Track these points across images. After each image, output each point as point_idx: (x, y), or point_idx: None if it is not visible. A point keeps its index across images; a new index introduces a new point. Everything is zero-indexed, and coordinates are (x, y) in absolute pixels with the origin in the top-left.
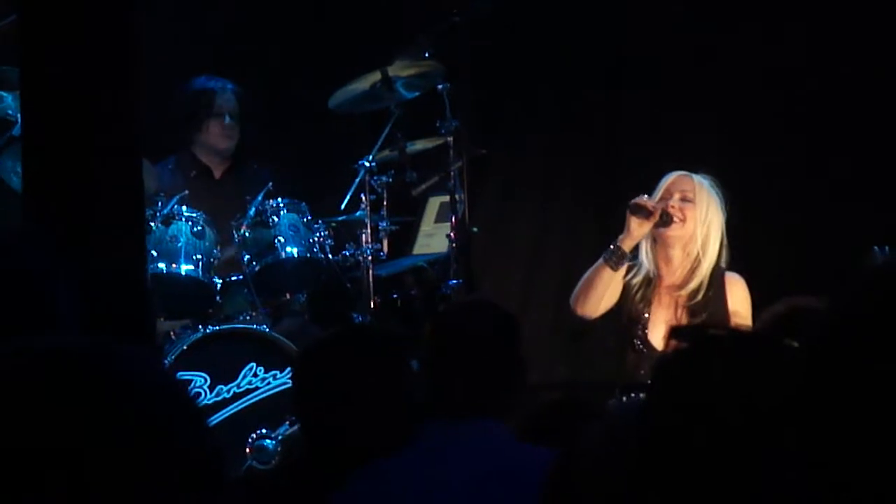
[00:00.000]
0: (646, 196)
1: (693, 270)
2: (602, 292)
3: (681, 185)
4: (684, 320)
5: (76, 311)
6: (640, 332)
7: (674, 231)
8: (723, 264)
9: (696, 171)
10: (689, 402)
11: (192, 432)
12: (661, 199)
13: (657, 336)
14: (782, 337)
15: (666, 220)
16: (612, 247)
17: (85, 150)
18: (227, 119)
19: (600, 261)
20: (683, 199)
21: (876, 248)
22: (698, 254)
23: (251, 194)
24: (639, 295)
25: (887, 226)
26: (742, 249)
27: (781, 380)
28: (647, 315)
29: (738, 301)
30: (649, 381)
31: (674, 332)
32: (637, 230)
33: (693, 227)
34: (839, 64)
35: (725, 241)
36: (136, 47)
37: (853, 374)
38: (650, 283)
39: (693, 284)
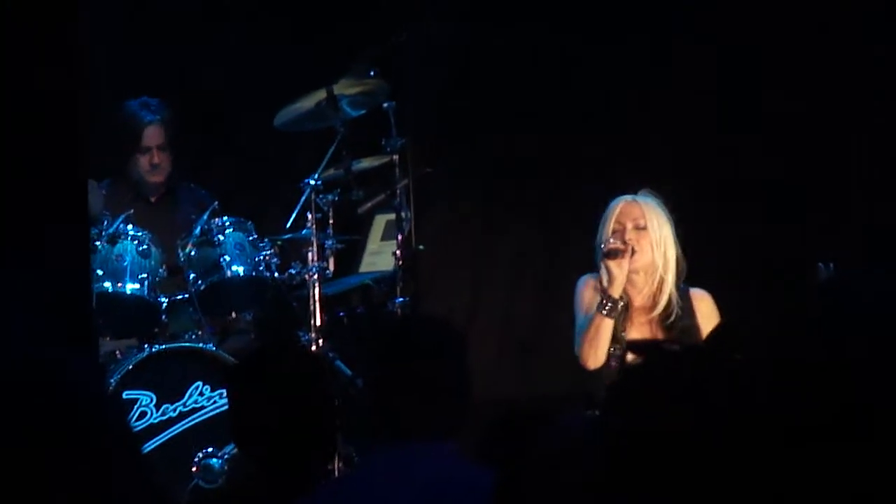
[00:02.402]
0: (610, 238)
1: (659, 290)
2: (607, 341)
3: (630, 213)
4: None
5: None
6: (618, 354)
7: (635, 262)
8: (682, 277)
9: (635, 193)
10: (647, 423)
11: (128, 458)
12: (615, 231)
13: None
14: (731, 353)
15: (612, 254)
16: (603, 300)
17: (29, 170)
18: (156, 155)
19: (596, 313)
20: (636, 228)
21: (821, 264)
22: (661, 274)
23: (189, 213)
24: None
25: (829, 241)
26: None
27: (737, 395)
28: (624, 336)
29: (706, 316)
30: (605, 402)
31: (630, 347)
32: (619, 273)
33: (651, 252)
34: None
35: (681, 255)
36: (81, 65)
37: (803, 389)
38: (622, 306)
39: (662, 303)
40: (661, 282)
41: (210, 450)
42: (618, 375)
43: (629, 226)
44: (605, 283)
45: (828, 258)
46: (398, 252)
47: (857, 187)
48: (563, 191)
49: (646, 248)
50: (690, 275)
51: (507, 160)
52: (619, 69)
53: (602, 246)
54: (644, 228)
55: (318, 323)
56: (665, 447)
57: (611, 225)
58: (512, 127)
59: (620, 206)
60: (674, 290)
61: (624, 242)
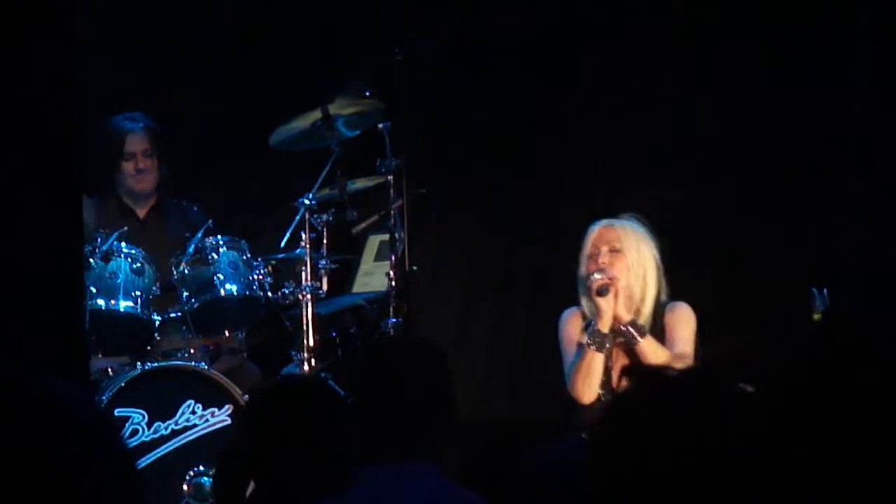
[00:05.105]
0: (597, 275)
1: (637, 312)
2: (599, 374)
3: (606, 237)
4: (636, 360)
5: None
6: (603, 380)
7: (612, 293)
8: (664, 297)
9: (616, 216)
10: (638, 448)
11: (121, 473)
12: (590, 255)
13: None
14: (733, 380)
15: (603, 291)
16: (594, 334)
17: (23, 186)
18: (140, 161)
19: (587, 349)
20: (612, 251)
21: (814, 289)
22: (641, 293)
23: (179, 231)
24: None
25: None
26: (684, 285)
27: (735, 424)
28: (609, 362)
29: (677, 327)
30: (595, 426)
31: (624, 372)
32: (607, 307)
33: (627, 276)
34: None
35: (663, 275)
36: (74, 83)
37: (806, 423)
38: (611, 339)
39: (640, 322)
40: (641, 303)
41: (201, 468)
42: (609, 400)
43: (604, 249)
44: (591, 317)
45: (821, 283)
46: (391, 273)
47: (855, 205)
48: (556, 213)
49: (621, 270)
50: (683, 291)
51: (500, 182)
52: (614, 90)
53: (588, 283)
54: (619, 251)
55: (311, 343)
56: (656, 473)
57: (587, 250)
58: (506, 149)
59: (597, 231)
60: (650, 312)
61: (610, 278)
